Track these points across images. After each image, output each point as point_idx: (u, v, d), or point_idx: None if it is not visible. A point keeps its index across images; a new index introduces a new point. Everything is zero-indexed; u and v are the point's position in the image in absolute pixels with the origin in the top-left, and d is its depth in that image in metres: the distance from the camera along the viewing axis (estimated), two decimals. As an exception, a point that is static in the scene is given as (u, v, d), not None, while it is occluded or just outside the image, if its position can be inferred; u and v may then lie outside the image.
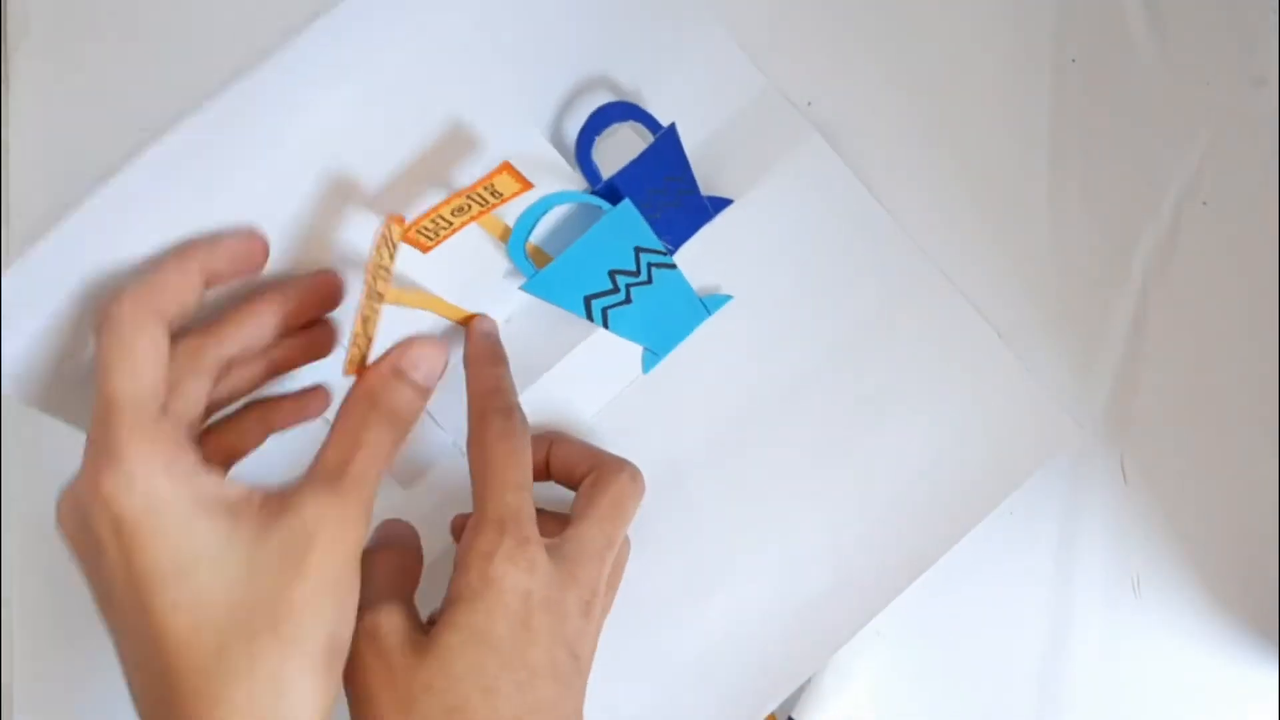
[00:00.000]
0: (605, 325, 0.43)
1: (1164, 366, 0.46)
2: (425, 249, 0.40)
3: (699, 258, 0.45)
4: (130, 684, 0.31)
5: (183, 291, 0.32)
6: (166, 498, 0.30)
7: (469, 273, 0.42)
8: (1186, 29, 0.47)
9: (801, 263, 0.46)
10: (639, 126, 0.45)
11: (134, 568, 0.30)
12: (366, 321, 0.35)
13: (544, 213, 0.42)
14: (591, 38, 0.44)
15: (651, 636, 0.45)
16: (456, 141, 0.39)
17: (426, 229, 0.38)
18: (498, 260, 0.43)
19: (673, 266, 0.43)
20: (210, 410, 0.35)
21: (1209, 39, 0.47)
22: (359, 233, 0.38)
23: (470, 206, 0.39)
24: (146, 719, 0.31)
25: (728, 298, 0.45)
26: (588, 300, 0.43)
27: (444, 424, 0.44)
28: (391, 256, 0.37)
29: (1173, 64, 0.47)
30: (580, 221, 0.43)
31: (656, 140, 0.42)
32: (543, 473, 0.41)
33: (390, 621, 0.33)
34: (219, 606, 0.30)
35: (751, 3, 0.46)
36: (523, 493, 0.35)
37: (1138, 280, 0.46)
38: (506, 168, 0.38)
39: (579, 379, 0.44)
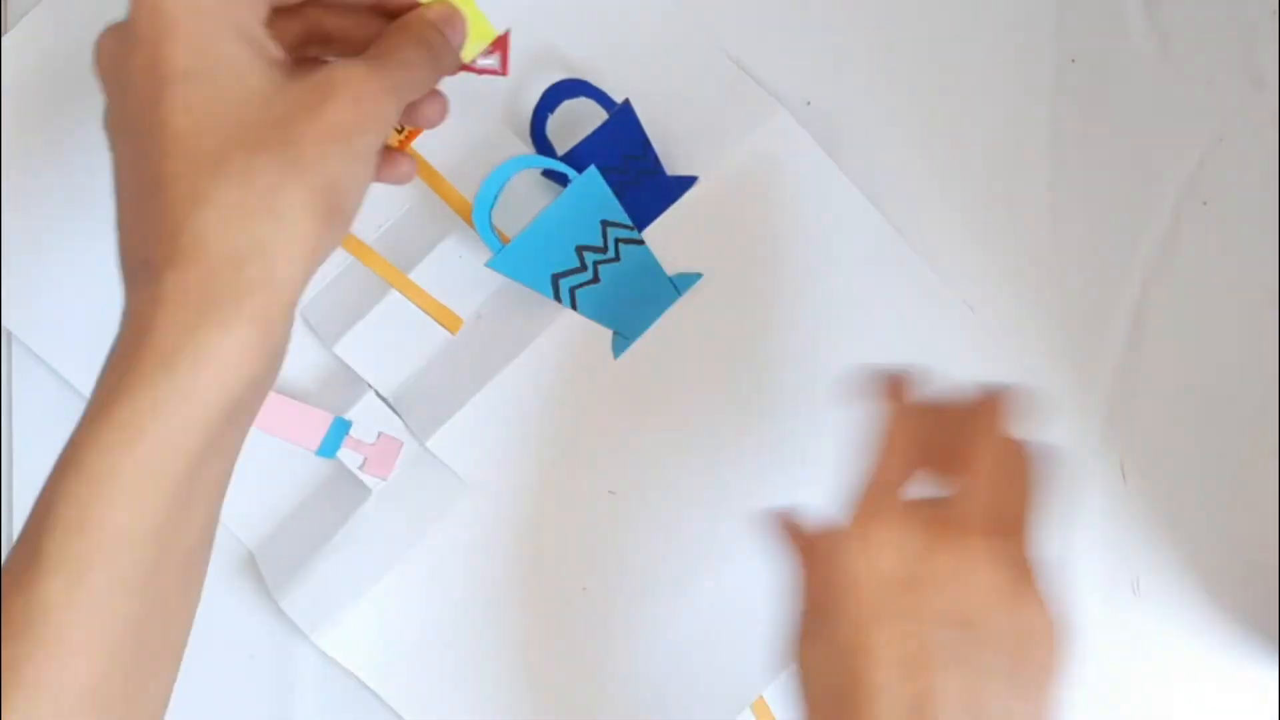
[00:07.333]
0: (574, 306, 0.43)
1: (1164, 366, 0.46)
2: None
3: (665, 238, 0.44)
4: (118, 197, 0.31)
5: None
6: (213, 10, 0.30)
7: (433, 262, 0.43)
8: (1186, 29, 0.47)
9: (771, 239, 0.45)
10: (593, 104, 0.44)
11: (157, 58, 0.29)
12: None
13: (508, 178, 0.41)
14: (542, 6, 0.44)
15: (637, 622, 0.45)
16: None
17: None
18: (462, 250, 0.43)
19: (640, 242, 0.43)
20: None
21: (1209, 39, 0.47)
22: None
23: None
24: (126, 229, 0.31)
25: (698, 276, 0.44)
26: (555, 279, 0.42)
27: (410, 422, 0.44)
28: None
29: (1173, 64, 0.47)
30: (540, 202, 0.43)
31: (611, 117, 0.42)
32: None
33: None
34: (229, 118, 0.29)
35: (751, 2, 0.47)
36: None
37: (1138, 280, 0.46)
38: None
39: (547, 366, 0.44)
